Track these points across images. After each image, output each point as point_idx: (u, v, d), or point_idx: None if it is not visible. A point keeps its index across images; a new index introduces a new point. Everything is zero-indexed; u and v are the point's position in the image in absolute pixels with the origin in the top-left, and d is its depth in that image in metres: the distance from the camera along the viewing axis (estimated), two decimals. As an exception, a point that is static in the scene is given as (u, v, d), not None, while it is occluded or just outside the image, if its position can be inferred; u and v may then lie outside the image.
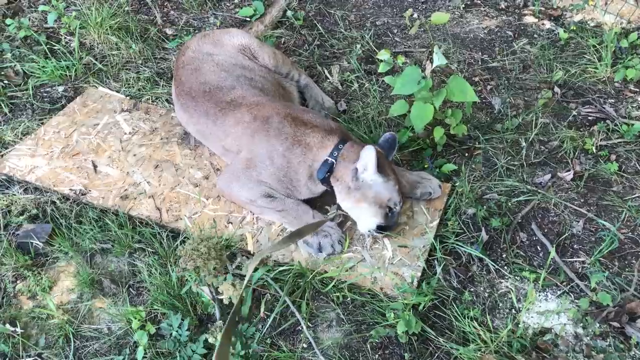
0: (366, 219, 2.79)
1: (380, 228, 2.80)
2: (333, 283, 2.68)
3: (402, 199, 2.82)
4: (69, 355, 2.52)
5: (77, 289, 2.74)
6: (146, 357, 2.47)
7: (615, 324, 2.60)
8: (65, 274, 2.81)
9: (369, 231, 2.82)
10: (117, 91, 3.81)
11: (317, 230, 2.81)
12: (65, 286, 2.77)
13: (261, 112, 2.94)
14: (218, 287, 2.00)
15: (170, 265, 2.73)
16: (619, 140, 3.47)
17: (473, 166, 3.35)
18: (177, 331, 2.48)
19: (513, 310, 2.68)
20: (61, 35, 4.27)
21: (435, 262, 2.82)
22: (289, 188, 2.88)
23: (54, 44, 4.18)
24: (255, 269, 2.59)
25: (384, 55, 3.19)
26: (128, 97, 3.74)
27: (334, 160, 2.76)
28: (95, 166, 3.26)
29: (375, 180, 2.70)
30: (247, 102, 3.05)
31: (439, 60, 2.89)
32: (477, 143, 3.46)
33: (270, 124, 2.87)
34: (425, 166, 3.31)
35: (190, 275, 2.13)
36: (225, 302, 1.97)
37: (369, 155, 2.64)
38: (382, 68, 3.28)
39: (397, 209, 2.78)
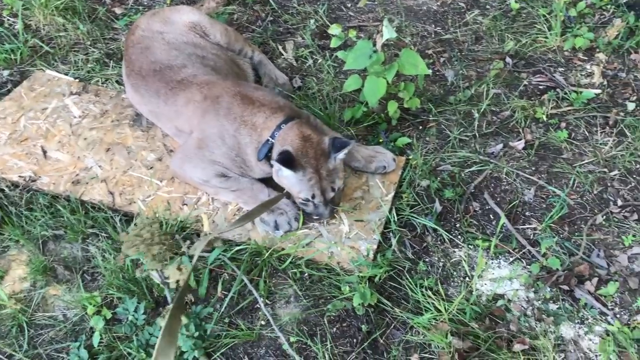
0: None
1: (305, 214, 2.85)
2: (290, 260, 2.70)
3: (324, 193, 2.73)
4: (23, 344, 2.49)
5: (30, 277, 2.69)
6: (103, 342, 2.45)
7: (565, 287, 2.68)
8: (17, 263, 2.76)
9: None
10: (66, 74, 3.71)
11: (272, 209, 2.81)
12: (18, 275, 2.72)
13: (211, 92, 2.91)
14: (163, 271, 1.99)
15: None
16: (569, 108, 3.54)
17: (427, 139, 3.38)
18: (133, 315, 2.47)
19: (467, 279, 2.74)
20: (4, 18, 4.12)
21: (391, 234, 2.85)
22: (243, 167, 2.86)
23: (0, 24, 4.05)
24: (210, 250, 2.59)
25: (335, 29, 3.17)
26: (77, 80, 3.65)
27: (273, 141, 2.73)
28: (44, 152, 3.18)
29: (286, 174, 2.68)
30: (197, 81, 3.01)
31: (388, 33, 2.89)
32: (431, 116, 3.49)
33: (220, 103, 2.84)
34: (380, 140, 3.32)
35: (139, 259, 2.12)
36: (172, 286, 1.96)
37: (278, 157, 2.63)
38: (334, 43, 3.26)
39: (316, 202, 2.74)
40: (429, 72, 3.14)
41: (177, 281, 1.98)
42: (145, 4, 4.40)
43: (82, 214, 2.87)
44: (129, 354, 2.41)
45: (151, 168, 3.11)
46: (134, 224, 2.05)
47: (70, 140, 3.25)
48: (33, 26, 4.08)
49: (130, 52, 3.27)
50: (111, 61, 3.82)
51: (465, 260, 2.76)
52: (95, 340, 2.41)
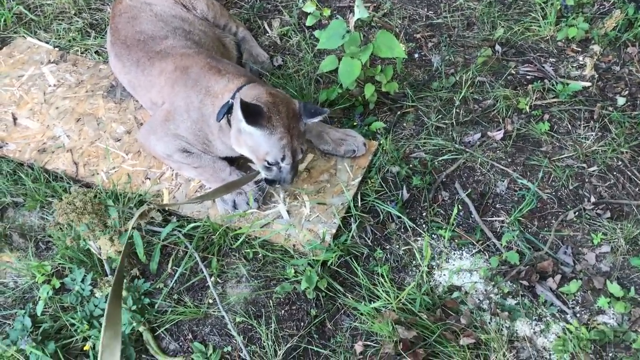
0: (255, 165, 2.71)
1: (266, 181, 2.69)
2: (243, 239, 2.66)
3: (295, 155, 2.59)
4: (-28, 308, 2.50)
5: (-15, 243, 2.70)
6: (48, 312, 2.45)
7: (525, 282, 2.61)
8: (-25, 228, 2.76)
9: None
10: (47, 42, 3.69)
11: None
12: (-26, 240, 2.72)
13: (183, 62, 2.86)
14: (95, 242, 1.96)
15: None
16: (554, 100, 3.42)
17: (404, 124, 3.30)
18: (80, 286, 2.46)
19: (426, 268, 2.67)
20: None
21: (352, 219, 2.79)
22: (206, 144, 2.81)
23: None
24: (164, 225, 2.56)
25: (309, 7, 3.09)
26: (57, 49, 3.63)
27: (232, 102, 2.58)
28: (15, 119, 3.18)
29: (252, 131, 2.50)
30: (174, 52, 2.96)
31: (360, 13, 2.81)
32: (411, 101, 3.41)
33: (189, 74, 2.79)
34: (354, 124, 3.25)
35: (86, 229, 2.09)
36: (103, 257, 1.93)
37: (236, 103, 2.45)
38: (309, 21, 3.19)
39: (283, 165, 2.60)
40: (405, 55, 3.05)
41: (108, 253, 1.95)
42: (137, -25, 4.35)
43: (43, 182, 2.85)
44: (72, 324, 2.40)
45: (119, 140, 3.09)
46: (69, 192, 2.01)
47: (42, 108, 3.24)
48: (21, -7, 4.06)
49: (117, 20, 3.23)
50: (93, 31, 3.79)
51: (416, 250, 2.69)
52: (39, 308, 2.40)
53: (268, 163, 2.59)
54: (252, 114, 2.45)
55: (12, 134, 3.09)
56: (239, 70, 2.85)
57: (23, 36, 3.73)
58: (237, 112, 2.43)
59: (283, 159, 2.57)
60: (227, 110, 2.59)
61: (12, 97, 3.29)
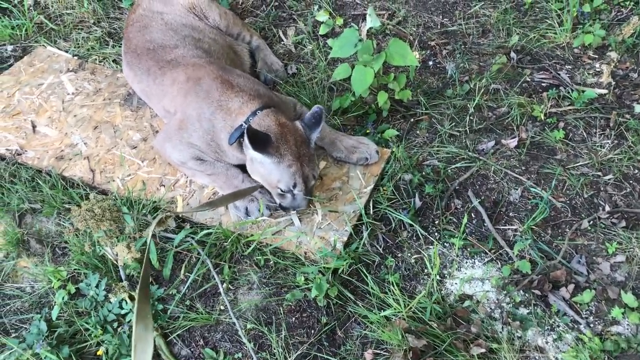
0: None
1: (281, 207, 2.75)
2: (254, 246, 2.68)
3: (307, 181, 2.66)
4: (-10, 313, 2.55)
5: (4, 248, 2.75)
6: (63, 316, 2.49)
7: (537, 291, 2.59)
8: (-6, 233, 2.83)
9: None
10: (66, 51, 3.77)
11: (243, 195, 2.80)
12: (-7, 245, 2.78)
13: (195, 73, 2.90)
14: (111, 248, 2.00)
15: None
16: (569, 107, 3.40)
17: (417, 132, 3.30)
18: (94, 291, 2.50)
19: (438, 276, 2.67)
20: (15, -7, 4.22)
21: (363, 227, 2.80)
22: (217, 152, 2.84)
23: (10, 1, 4.13)
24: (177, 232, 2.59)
25: (322, 16, 3.12)
26: (76, 57, 3.70)
27: (246, 126, 2.65)
28: (34, 126, 3.24)
29: (264, 160, 2.58)
30: (185, 62, 3.01)
31: (372, 21, 2.82)
32: (424, 109, 3.41)
33: (201, 85, 2.83)
34: (367, 131, 3.26)
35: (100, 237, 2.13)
36: (120, 263, 1.97)
37: (245, 133, 2.53)
38: (322, 30, 3.22)
39: (297, 193, 2.66)
40: (417, 63, 3.06)
41: (125, 259, 1.99)
42: (155, -15, 4.42)
43: (60, 189, 2.91)
44: (87, 329, 2.44)
45: (135, 148, 3.14)
46: (87, 199, 2.05)
47: (60, 116, 3.30)
48: (42, 3, 4.15)
49: (130, 30, 3.30)
50: (111, 40, 3.86)
51: (428, 259, 2.68)
52: (54, 313, 2.45)
53: (281, 190, 2.64)
54: (260, 141, 2.54)
55: (31, 141, 3.16)
56: (251, 86, 2.87)
57: (43, 45, 3.81)
58: (246, 139, 2.53)
59: (295, 187, 2.63)
60: (240, 134, 2.64)
61: (32, 105, 3.36)
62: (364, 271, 2.63)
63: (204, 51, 3.18)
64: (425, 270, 2.69)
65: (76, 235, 2.66)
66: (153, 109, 3.29)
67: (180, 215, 2.80)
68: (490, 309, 2.56)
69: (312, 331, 2.48)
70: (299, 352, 2.41)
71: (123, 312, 2.47)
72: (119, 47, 3.79)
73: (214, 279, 2.60)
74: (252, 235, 2.72)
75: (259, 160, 2.62)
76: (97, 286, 2.51)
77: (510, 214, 2.93)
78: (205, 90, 2.82)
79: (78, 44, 3.83)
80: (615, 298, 2.58)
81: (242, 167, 2.92)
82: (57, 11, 4.09)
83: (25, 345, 2.37)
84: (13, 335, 2.48)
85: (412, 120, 3.36)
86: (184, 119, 2.87)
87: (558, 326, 2.51)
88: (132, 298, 2.43)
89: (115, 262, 2.27)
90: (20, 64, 3.64)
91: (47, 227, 2.84)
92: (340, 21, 3.42)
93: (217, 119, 2.75)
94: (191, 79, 2.90)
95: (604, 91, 3.50)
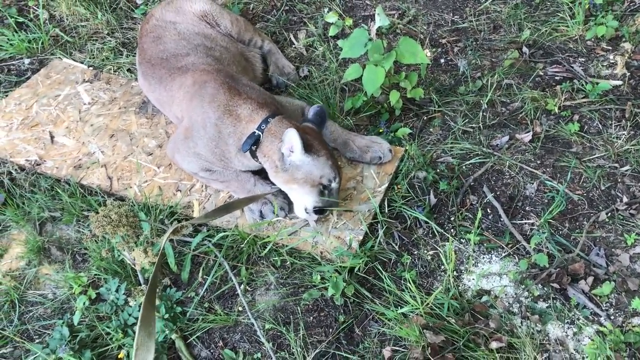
0: (300, 200, 2.70)
1: (317, 209, 2.70)
2: (270, 247, 2.70)
3: (340, 172, 2.70)
4: (14, 319, 2.60)
5: (26, 256, 2.80)
6: (85, 321, 2.53)
7: (556, 285, 2.57)
8: (16, 242, 2.88)
9: (307, 213, 2.71)
10: (82, 62, 3.84)
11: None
12: (16, 253, 2.84)
13: (201, 77, 2.92)
14: (129, 253, 2.03)
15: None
16: (583, 100, 3.37)
17: (430, 130, 3.30)
18: (114, 295, 2.53)
19: (455, 272, 2.66)
20: (30, 8, 4.30)
21: (379, 225, 2.81)
22: (223, 160, 2.85)
23: (26, 16, 4.22)
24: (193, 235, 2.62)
25: (331, 17, 3.14)
26: (91, 68, 3.77)
27: (260, 134, 2.68)
28: (52, 137, 3.31)
29: (304, 161, 2.58)
30: (194, 68, 3.04)
31: (381, 21, 2.83)
32: (437, 106, 3.41)
33: (206, 89, 2.84)
34: (380, 131, 3.27)
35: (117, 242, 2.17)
36: (138, 268, 2.00)
37: (292, 137, 2.52)
38: (332, 31, 3.24)
39: (334, 185, 2.67)
40: (427, 61, 3.06)
41: (142, 264, 2.02)
42: (166, -6, 4.48)
43: (79, 197, 2.96)
44: (108, 333, 2.48)
45: (151, 154, 3.18)
46: (104, 206, 2.09)
47: (77, 126, 3.36)
48: (57, 16, 4.23)
49: (144, 40, 3.34)
50: (125, 50, 3.92)
51: (444, 255, 2.67)
52: (76, 318, 2.49)
53: (323, 187, 2.65)
54: (306, 144, 2.58)
55: (49, 151, 3.22)
56: (258, 94, 2.88)
57: (59, 57, 3.88)
58: (284, 148, 2.59)
59: (335, 178, 2.66)
60: (254, 142, 2.66)
61: (50, 117, 3.43)
62: (380, 269, 2.64)
63: (215, 59, 3.20)
64: (442, 267, 2.69)
65: (95, 241, 2.70)
66: (167, 116, 3.33)
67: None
68: (509, 303, 2.54)
69: (330, 330, 2.49)
70: (317, 351, 2.42)
71: (143, 315, 2.50)
72: (133, 56, 3.84)
73: (232, 280, 2.62)
74: (268, 236, 2.74)
75: (297, 164, 2.62)
76: (117, 291, 2.55)
77: (527, 209, 2.91)
78: (210, 93, 2.82)
79: (93, 55, 3.90)
80: (636, 289, 2.56)
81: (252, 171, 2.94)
82: (72, 24, 4.17)
83: (48, 351, 2.41)
84: (37, 341, 2.53)
85: (424, 118, 3.37)
86: (189, 126, 2.89)
87: (578, 319, 2.49)
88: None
89: (133, 266, 2.30)
90: (37, 76, 3.71)
91: (67, 234, 2.88)
92: (349, 22, 3.44)
93: (225, 124, 2.75)
94: (197, 83, 2.92)
95: (619, 82, 3.47)
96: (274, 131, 2.68)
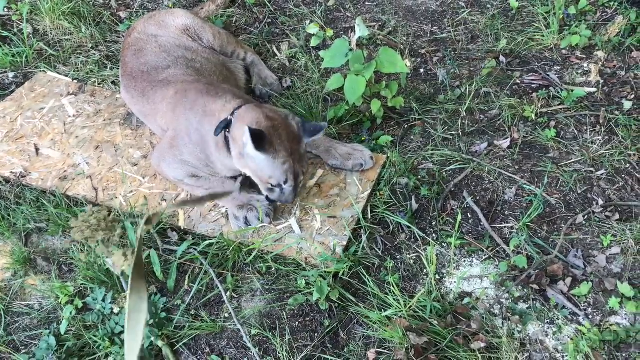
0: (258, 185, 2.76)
1: (268, 199, 2.76)
2: (255, 254, 2.74)
3: (297, 177, 2.68)
4: (0, 330, 2.60)
5: (12, 267, 2.81)
6: (72, 331, 2.54)
7: (535, 286, 2.64)
8: (2, 254, 2.89)
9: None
10: (66, 75, 3.86)
11: (243, 205, 2.87)
12: (1, 265, 2.84)
13: (182, 87, 2.97)
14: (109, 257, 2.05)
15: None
16: (559, 107, 3.47)
17: (411, 137, 3.37)
18: (101, 304, 2.55)
19: (437, 276, 2.72)
20: (14, 22, 4.32)
21: (362, 231, 2.86)
22: (209, 166, 2.88)
23: (10, 30, 4.24)
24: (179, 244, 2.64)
25: (312, 29, 3.20)
26: (75, 81, 3.79)
27: (232, 119, 2.65)
28: (37, 149, 3.32)
29: (256, 156, 2.56)
30: (175, 79, 3.08)
31: (361, 31, 2.91)
32: (417, 114, 3.48)
33: (188, 96, 2.88)
34: (363, 139, 3.33)
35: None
36: (118, 272, 2.02)
37: (245, 133, 2.49)
38: (313, 42, 3.30)
39: (285, 187, 2.67)
40: (407, 70, 3.13)
41: (122, 269, 2.04)
42: (150, 7, 4.53)
43: (64, 208, 2.98)
44: (95, 342, 2.49)
45: (136, 165, 3.21)
46: (83, 211, 2.11)
47: (62, 138, 3.38)
48: (41, 30, 4.26)
49: (126, 53, 3.38)
50: (109, 63, 3.96)
51: (423, 257, 2.73)
52: (63, 328, 2.50)
53: (271, 185, 2.67)
54: (258, 140, 2.51)
55: (34, 163, 3.23)
56: (235, 92, 2.94)
57: (44, 71, 3.91)
58: (243, 138, 2.52)
59: (285, 182, 2.65)
60: (225, 126, 2.64)
61: (35, 129, 3.44)
62: (364, 273, 2.69)
63: (195, 70, 3.24)
64: (425, 270, 2.74)
65: (81, 250, 2.72)
66: (151, 128, 3.37)
67: (182, 228, 2.86)
68: (490, 305, 2.60)
69: (316, 334, 2.53)
70: (303, 355, 2.45)
71: (130, 323, 2.51)
72: (117, 69, 3.88)
73: (218, 287, 2.65)
74: (253, 243, 2.78)
75: (252, 156, 2.58)
76: (103, 300, 2.56)
77: (506, 212, 2.98)
78: (191, 100, 2.86)
79: (77, 68, 3.92)
80: (612, 289, 2.63)
81: (236, 178, 2.98)
82: (56, 37, 4.20)
83: (35, 360, 2.42)
84: (23, 351, 2.54)
85: (405, 126, 3.44)
86: (175, 135, 2.92)
87: (557, 319, 2.55)
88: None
89: (113, 270, 2.32)
90: (21, 89, 3.73)
91: (53, 245, 2.90)
92: (330, 33, 3.51)
93: (204, 125, 2.77)
94: (179, 92, 2.95)
95: (593, 89, 3.57)
96: (243, 117, 2.64)
